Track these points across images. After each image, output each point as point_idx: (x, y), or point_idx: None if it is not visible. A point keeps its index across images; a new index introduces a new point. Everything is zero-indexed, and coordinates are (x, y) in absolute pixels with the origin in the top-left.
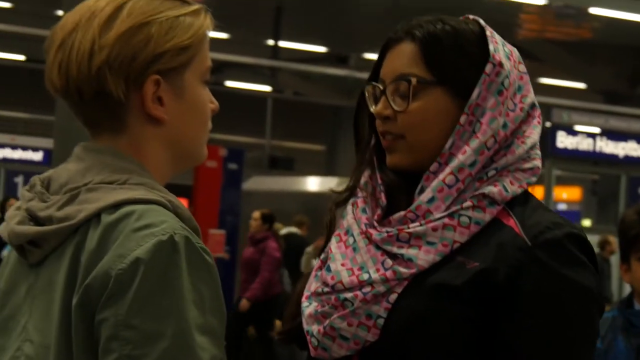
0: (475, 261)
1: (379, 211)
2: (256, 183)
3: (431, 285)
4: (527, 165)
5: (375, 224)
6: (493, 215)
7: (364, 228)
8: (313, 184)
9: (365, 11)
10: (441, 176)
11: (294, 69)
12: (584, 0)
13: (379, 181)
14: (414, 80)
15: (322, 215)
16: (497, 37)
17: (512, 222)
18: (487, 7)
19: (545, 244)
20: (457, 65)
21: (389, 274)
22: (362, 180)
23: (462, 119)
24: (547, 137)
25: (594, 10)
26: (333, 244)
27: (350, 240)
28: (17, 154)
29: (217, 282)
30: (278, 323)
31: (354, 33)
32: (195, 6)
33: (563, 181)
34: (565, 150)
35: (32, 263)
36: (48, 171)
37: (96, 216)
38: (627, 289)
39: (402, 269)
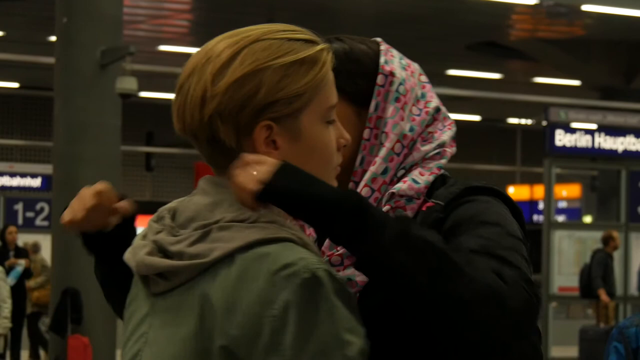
0: None
1: None
2: None
3: (376, 301)
4: (434, 153)
5: None
6: (415, 210)
7: None
8: None
9: (354, 17)
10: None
11: None
12: None
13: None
14: None
15: None
16: (395, 52)
17: (428, 203)
18: (477, 10)
19: (458, 195)
20: (352, 74)
21: None
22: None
23: (366, 132)
24: (545, 136)
25: (586, 7)
26: None
27: None
28: (16, 181)
29: (357, 312)
30: None
31: None
32: (317, 47)
33: (562, 179)
34: (563, 148)
35: (153, 292)
36: (173, 202)
37: (229, 256)
38: (632, 283)
39: None
